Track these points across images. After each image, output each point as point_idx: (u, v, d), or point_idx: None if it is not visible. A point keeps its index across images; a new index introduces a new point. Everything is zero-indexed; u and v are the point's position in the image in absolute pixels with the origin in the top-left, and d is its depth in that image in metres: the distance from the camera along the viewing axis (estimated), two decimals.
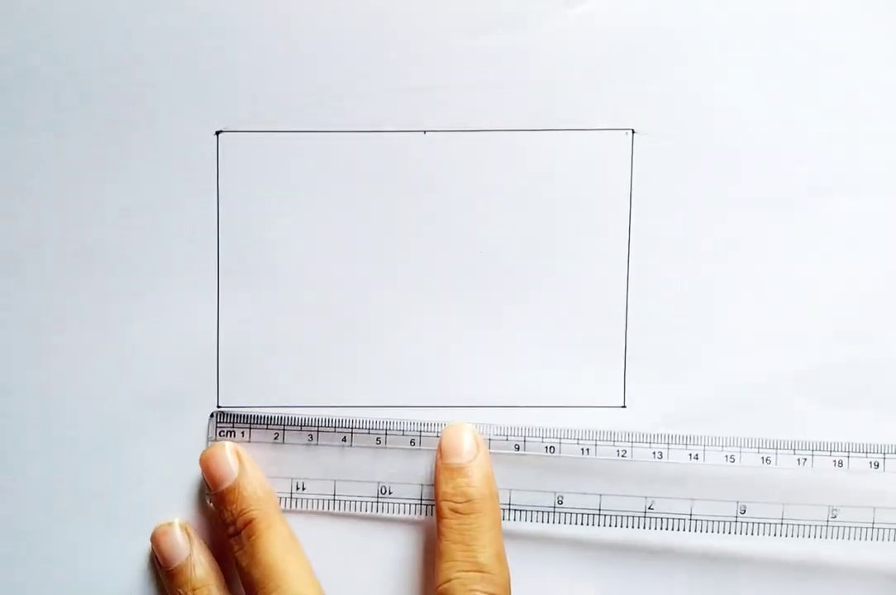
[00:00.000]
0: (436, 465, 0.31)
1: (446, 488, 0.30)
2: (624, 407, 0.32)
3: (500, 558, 0.30)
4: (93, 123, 0.32)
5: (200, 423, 0.32)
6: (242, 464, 0.31)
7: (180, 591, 0.31)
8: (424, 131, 0.32)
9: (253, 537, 0.30)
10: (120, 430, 0.32)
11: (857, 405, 0.32)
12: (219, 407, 0.32)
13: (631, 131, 0.32)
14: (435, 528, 0.31)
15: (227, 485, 0.31)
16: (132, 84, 0.31)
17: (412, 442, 0.32)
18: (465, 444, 0.31)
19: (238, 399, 0.32)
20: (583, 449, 0.32)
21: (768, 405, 0.32)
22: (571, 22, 0.31)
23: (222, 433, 0.32)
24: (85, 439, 0.32)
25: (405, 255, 0.32)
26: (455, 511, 0.30)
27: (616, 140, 0.32)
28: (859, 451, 0.32)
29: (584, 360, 0.32)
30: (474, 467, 0.31)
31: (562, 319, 0.32)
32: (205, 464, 0.31)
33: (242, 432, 0.32)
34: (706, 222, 0.32)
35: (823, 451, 0.32)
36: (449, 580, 0.29)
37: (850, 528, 0.31)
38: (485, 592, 0.29)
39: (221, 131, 0.32)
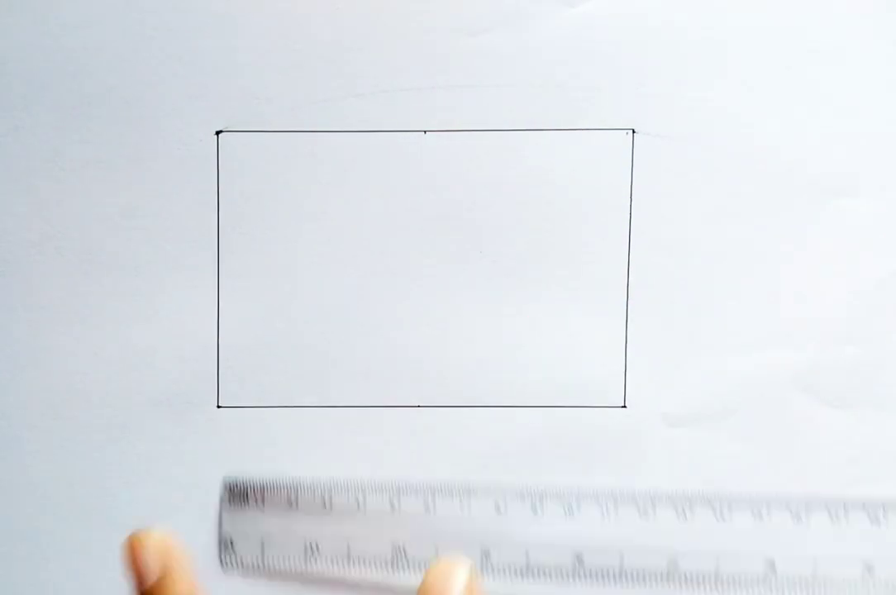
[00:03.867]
0: None
1: None
2: (624, 407, 0.32)
3: None
4: (93, 123, 0.32)
5: (201, 423, 0.32)
6: (169, 565, 0.25)
7: None
8: (424, 131, 0.32)
9: None
10: (120, 429, 0.32)
11: (857, 405, 0.32)
12: (219, 406, 0.32)
13: (631, 131, 0.32)
14: None
15: (147, 586, 0.25)
16: (132, 84, 0.31)
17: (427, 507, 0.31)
18: (456, 589, 0.23)
19: (238, 398, 0.32)
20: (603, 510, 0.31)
21: (768, 405, 0.32)
22: (571, 22, 0.31)
23: (234, 501, 0.32)
24: (85, 439, 0.32)
25: (405, 255, 0.32)
26: None
27: (616, 140, 0.32)
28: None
29: (584, 359, 0.32)
30: None
31: (561, 319, 0.32)
32: (127, 554, 0.26)
33: (255, 500, 0.32)
34: (706, 222, 0.32)
35: (858, 508, 0.31)
36: None
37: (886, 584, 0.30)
38: None
39: (221, 131, 0.32)
